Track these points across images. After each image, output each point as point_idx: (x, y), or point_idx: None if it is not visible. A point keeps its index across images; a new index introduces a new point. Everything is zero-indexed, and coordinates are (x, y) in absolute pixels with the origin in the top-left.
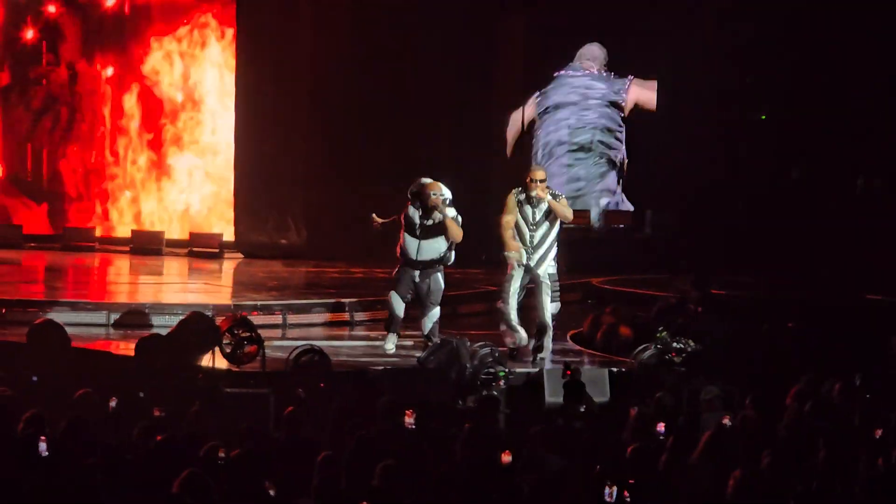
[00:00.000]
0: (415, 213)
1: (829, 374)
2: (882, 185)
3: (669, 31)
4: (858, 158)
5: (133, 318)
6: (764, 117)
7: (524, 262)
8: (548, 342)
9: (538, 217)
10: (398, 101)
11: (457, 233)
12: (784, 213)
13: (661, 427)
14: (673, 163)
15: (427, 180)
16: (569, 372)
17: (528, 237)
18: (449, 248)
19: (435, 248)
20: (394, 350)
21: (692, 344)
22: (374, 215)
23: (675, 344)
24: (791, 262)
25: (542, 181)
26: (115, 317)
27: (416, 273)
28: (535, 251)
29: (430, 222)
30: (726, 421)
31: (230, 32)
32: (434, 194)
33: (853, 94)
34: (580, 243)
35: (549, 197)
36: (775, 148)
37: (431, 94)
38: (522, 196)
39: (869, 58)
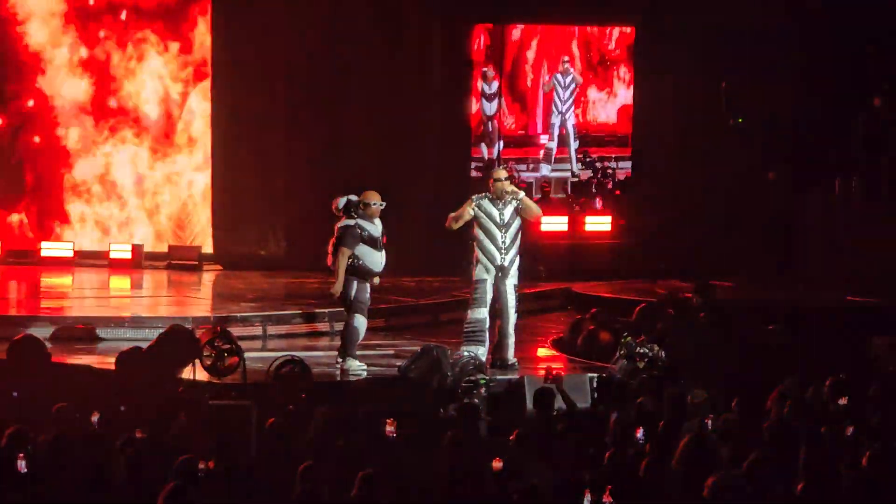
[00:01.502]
0: (374, 227)
1: (810, 377)
2: (858, 186)
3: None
4: (836, 159)
5: (113, 331)
6: (741, 120)
7: (497, 262)
8: (511, 346)
9: (507, 217)
10: (379, 111)
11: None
12: (763, 216)
13: (639, 433)
14: (651, 168)
15: (352, 197)
16: (550, 377)
17: (499, 238)
18: None
19: (384, 255)
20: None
21: (657, 349)
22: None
23: (639, 349)
24: (771, 265)
25: (506, 179)
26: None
27: (368, 285)
28: (507, 252)
29: (382, 231)
30: (708, 422)
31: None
32: (375, 204)
33: (829, 93)
34: (559, 249)
35: (522, 194)
36: (752, 151)
37: (410, 107)
38: (483, 201)
39: (844, 57)
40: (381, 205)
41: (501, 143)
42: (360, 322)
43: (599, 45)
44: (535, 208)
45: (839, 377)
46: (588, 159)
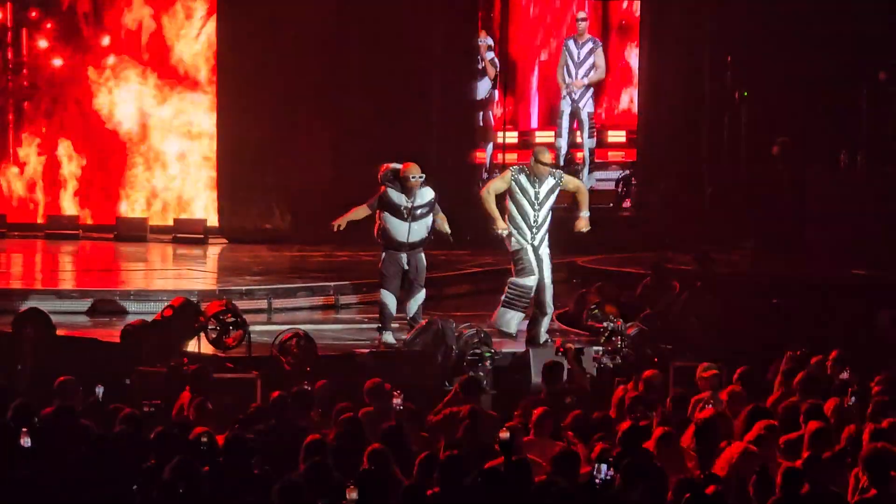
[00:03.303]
0: (400, 197)
1: (815, 350)
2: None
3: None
4: (842, 133)
5: (118, 304)
6: (746, 94)
7: (528, 241)
8: (545, 324)
9: (542, 195)
10: (383, 84)
11: (440, 213)
12: (767, 190)
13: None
14: (657, 140)
15: (397, 165)
16: (562, 350)
17: (531, 216)
18: (431, 228)
19: (424, 228)
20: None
21: (620, 323)
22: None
23: (606, 323)
24: (776, 239)
25: (548, 165)
26: (100, 304)
27: (404, 256)
28: (538, 230)
29: (416, 203)
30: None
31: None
32: (413, 178)
33: (835, 67)
34: (563, 221)
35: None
36: (757, 124)
37: (416, 76)
38: (521, 175)
39: (850, 31)
40: (420, 177)
41: (491, 144)
42: (384, 295)
43: (617, 6)
44: (576, 183)
45: (842, 351)
46: (576, 166)
